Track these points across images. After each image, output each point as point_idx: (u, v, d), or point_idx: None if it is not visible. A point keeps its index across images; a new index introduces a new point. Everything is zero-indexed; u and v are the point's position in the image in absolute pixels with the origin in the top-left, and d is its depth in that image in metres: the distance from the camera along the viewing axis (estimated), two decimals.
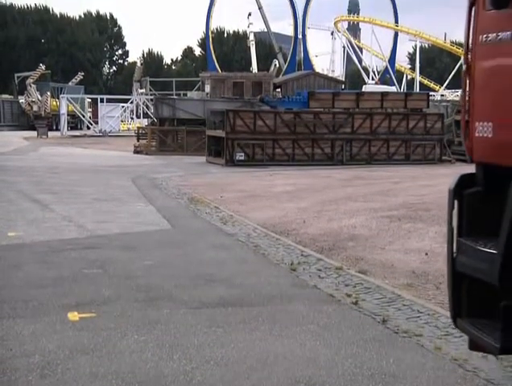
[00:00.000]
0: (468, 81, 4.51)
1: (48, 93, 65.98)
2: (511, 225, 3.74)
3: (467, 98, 4.50)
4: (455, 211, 4.44)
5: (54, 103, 65.23)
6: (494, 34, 4.21)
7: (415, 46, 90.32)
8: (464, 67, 4.60)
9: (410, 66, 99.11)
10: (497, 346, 3.96)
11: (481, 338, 4.15)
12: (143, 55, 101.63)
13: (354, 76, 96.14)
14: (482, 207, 4.21)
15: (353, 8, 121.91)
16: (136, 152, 34.64)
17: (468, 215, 4.35)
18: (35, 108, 64.57)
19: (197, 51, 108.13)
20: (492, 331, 3.99)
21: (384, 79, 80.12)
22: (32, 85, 66.08)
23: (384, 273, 8.77)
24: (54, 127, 61.05)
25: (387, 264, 9.27)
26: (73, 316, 6.57)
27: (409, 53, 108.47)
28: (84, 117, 62.44)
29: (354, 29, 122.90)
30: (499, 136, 4.09)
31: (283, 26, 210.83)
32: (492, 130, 4.19)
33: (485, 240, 4.08)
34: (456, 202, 4.43)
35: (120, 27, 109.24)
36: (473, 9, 4.41)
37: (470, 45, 4.50)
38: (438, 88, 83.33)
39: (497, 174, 3.97)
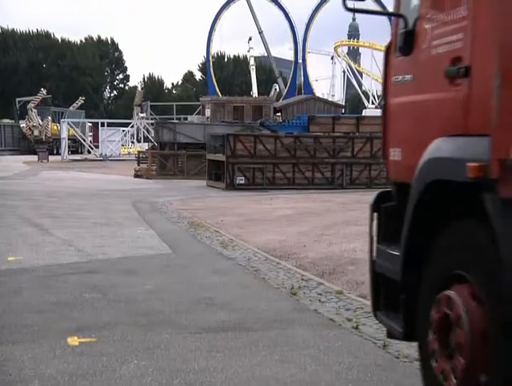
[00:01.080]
0: (384, 114, 5.43)
1: (49, 118, 66.20)
2: (408, 231, 4.55)
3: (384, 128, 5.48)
4: (375, 223, 5.26)
5: (55, 127, 65.42)
6: (401, 76, 5.10)
7: None
8: (382, 102, 5.57)
9: None
10: (400, 331, 4.80)
11: (392, 327, 4.97)
12: (144, 79, 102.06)
13: (354, 101, 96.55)
14: (395, 219, 4.92)
15: (353, 33, 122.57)
16: (136, 176, 34.69)
17: (384, 225, 5.16)
18: (36, 132, 64.76)
19: (198, 76, 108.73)
20: (398, 321, 4.83)
21: None
22: (33, 110, 66.32)
23: None
24: (55, 151, 61.16)
25: None
26: (73, 341, 6.54)
27: None
28: (84, 141, 62.57)
29: (354, 53, 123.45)
30: (405, 159, 4.99)
31: (284, 50, 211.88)
32: (400, 154, 5.11)
33: (396, 245, 4.82)
34: (375, 214, 5.25)
35: (121, 52, 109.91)
36: (388, 55, 5.34)
37: (386, 85, 5.43)
38: None
39: (405, 191, 4.73)
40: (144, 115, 57.48)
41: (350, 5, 4.80)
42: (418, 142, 4.64)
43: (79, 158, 55.70)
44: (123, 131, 55.93)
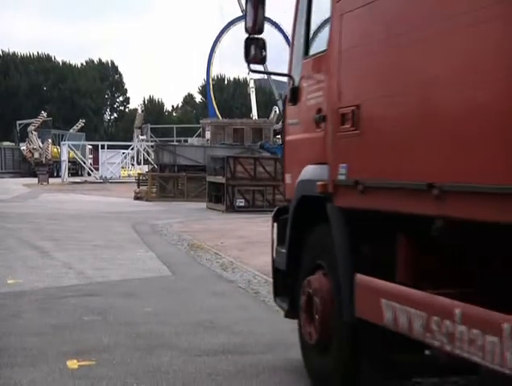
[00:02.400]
0: (283, 148, 7.19)
1: (49, 140, 66.34)
2: (289, 234, 6.35)
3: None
4: (275, 230, 6.88)
5: (55, 150, 65.55)
6: (291, 120, 6.73)
7: None
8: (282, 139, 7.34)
9: None
10: (288, 310, 6.54)
11: (284, 308, 6.67)
12: (144, 101, 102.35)
13: None
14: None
15: None
16: (136, 198, 34.71)
17: (279, 231, 6.76)
18: (36, 155, 64.86)
19: (198, 98, 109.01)
20: (287, 303, 6.53)
21: None
22: (34, 132, 66.48)
23: None
24: (55, 174, 61.23)
25: None
26: (72, 364, 6.52)
27: None
28: (84, 163, 62.70)
29: None
30: (292, 182, 6.49)
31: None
32: (290, 178, 6.62)
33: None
34: (274, 224, 6.89)
35: (121, 75, 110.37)
36: (285, 104, 6.94)
37: (284, 126, 7.15)
38: None
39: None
40: (144, 137, 57.62)
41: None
42: (298, 169, 6.23)
43: (79, 180, 55.75)
44: (123, 153, 56.04)
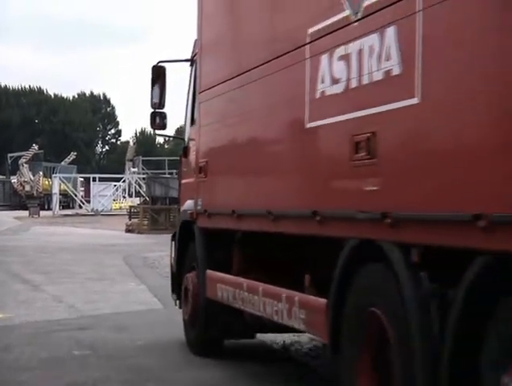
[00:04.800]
0: (179, 188, 9.46)
1: (41, 173, 66.33)
2: (177, 246, 8.79)
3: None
4: (173, 244, 9.01)
5: (46, 182, 65.50)
6: (184, 169, 8.94)
7: None
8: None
9: None
10: (176, 302, 8.97)
11: (175, 300, 9.03)
12: (136, 134, 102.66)
13: None
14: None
15: None
16: (128, 231, 34.63)
17: (177, 246, 8.89)
18: (27, 188, 64.79)
19: None
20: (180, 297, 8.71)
21: None
22: (25, 165, 66.47)
23: None
24: (46, 206, 61.16)
25: None
26: None
27: None
28: (76, 196, 62.60)
29: None
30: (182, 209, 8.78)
31: None
32: (182, 207, 8.83)
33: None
34: (172, 242, 9.06)
35: (113, 107, 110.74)
36: (181, 156, 9.07)
37: (180, 172, 9.42)
38: None
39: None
40: (136, 170, 57.62)
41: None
42: (184, 202, 8.61)
43: (70, 212, 55.65)
44: (115, 186, 56.04)
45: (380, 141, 4.37)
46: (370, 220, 4.41)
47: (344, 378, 4.85)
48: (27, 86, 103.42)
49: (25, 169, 66.13)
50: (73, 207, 62.96)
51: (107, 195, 54.77)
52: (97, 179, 57.16)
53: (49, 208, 59.29)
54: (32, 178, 65.56)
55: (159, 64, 8.70)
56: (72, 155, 79.20)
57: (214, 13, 7.74)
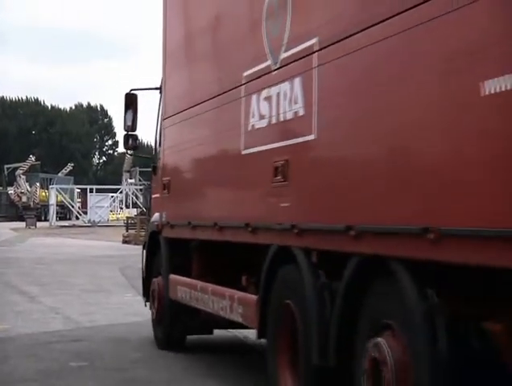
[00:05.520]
0: (150, 202, 10.93)
1: (38, 184, 66.29)
2: (147, 253, 9.86)
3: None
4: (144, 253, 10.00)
5: (43, 193, 65.46)
6: (153, 185, 10.20)
7: None
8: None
9: None
10: (146, 304, 9.90)
11: (146, 302, 9.92)
12: None
13: None
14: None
15: None
16: (125, 242, 34.60)
17: (146, 254, 9.93)
18: (24, 199, 64.73)
19: None
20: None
21: None
22: (22, 176, 66.43)
23: None
24: (43, 217, 61.09)
25: None
26: None
27: None
28: (73, 207, 62.56)
29: None
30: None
31: None
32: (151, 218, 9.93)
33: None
34: (143, 251, 10.05)
35: (110, 118, 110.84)
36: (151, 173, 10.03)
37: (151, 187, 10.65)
38: None
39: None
40: (133, 181, 57.65)
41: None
42: (152, 214, 9.77)
43: (67, 224, 55.58)
44: (112, 197, 56.03)
45: (291, 167, 5.53)
46: (284, 230, 5.58)
47: (268, 355, 6.15)
48: (24, 97, 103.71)
49: (22, 180, 66.09)
50: (70, 219, 62.92)
51: (104, 206, 54.74)
52: (94, 190, 57.15)
53: (46, 219, 59.23)
54: (29, 189, 65.51)
55: (132, 92, 9.77)
56: (69, 166, 79.19)
57: (175, 53, 8.93)
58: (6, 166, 74.98)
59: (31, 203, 63.91)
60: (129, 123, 9.74)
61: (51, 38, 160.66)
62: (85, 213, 58.05)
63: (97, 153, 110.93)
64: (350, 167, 4.81)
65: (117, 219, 55.16)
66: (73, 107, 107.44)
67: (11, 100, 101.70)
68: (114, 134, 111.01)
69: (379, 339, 4.35)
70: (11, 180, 70.58)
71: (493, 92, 3.42)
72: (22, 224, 52.05)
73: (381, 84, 4.45)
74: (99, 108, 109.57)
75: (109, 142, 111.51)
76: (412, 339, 4.10)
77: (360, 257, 4.63)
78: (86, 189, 60.05)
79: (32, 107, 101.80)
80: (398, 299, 4.19)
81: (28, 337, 10.03)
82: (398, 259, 4.21)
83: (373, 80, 4.54)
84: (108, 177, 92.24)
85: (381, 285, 4.51)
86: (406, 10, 4.10)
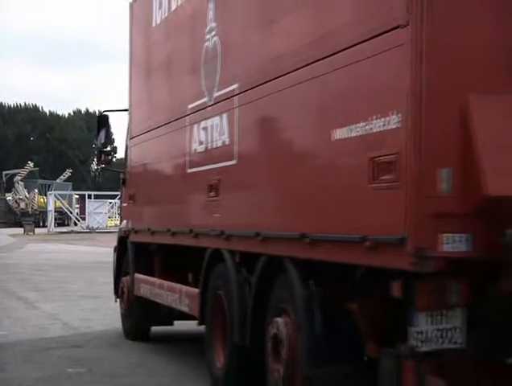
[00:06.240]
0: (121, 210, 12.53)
1: (36, 190, 66.16)
2: (116, 256, 11.05)
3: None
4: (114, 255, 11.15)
5: (41, 200, 65.32)
6: (123, 195, 11.24)
7: None
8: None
9: None
10: (117, 300, 11.06)
11: (116, 299, 11.13)
12: None
13: None
14: (122, 254, 10.71)
15: None
16: None
17: (116, 256, 11.09)
18: (22, 205, 64.57)
19: None
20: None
21: None
22: (20, 183, 66.31)
23: None
24: (41, 223, 60.98)
25: None
26: None
27: None
28: (71, 213, 62.47)
29: None
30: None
31: None
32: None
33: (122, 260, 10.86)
34: (114, 253, 11.21)
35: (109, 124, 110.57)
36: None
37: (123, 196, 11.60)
38: None
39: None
40: None
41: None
42: (122, 221, 11.04)
43: (65, 230, 55.51)
44: (110, 203, 55.95)
45: (221, 185, 6.91)
46: (216, 235, 6.89)
47: (206, 338, 7.41)
48: (23, 103, 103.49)
49: (20, 186, 65.98)
50: (68, 225, 62.81)
51: (102, 212, 54.65)
52: (93, 196, 57.07)
53: (44, 225, 59.12)
54: (27, 195, 65.39)
55: (104, 114, 11.29)
56: (68, 172, 79.08)
57: (137, 81, 10.30)
58: (4, 173, 74.86)
59: (30, 210, 63.77)
60: (102, 141, 11.28)
61: (49, 44, 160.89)
62: (84, 219, 57.96)
63: (95, 159, 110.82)
64: (258, 186, 6.21)
65: (116, 226, 54.90)
66: (72, 113, 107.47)
67: (10, 107, 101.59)
68: (113, 140, 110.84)
69: (277, 319, 5.64)
70: (9, 186, 70.42)
71: (338, 137, 4.82)
72: (21, 230, 51.98)
73: (276, 124, 5.97)
74: (97, 115, 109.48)
75: (108, 148, 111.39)
76: (298, 318, 5.34)
77: (266, 257, 5.99)
78: (84, 195, 59.92)
79: (31, 113, 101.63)
80: (290, 289, 5.45)
81: (26, 343, 10.04)
82: (288, 258, 5.54)
83: (272, 120, 6.01)
84: (106, 183, 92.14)
85: (279, 278, 5.76)
86: (283, 76, 5.60)
